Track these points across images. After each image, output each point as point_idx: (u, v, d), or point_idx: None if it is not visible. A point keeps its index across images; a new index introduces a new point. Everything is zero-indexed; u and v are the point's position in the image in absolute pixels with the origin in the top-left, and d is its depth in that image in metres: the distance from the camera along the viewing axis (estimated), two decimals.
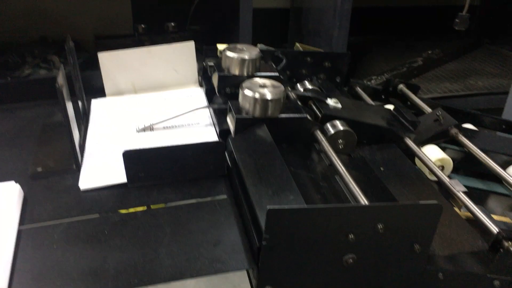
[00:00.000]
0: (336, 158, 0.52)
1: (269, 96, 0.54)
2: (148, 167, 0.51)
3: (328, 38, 1.63)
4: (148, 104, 0.68)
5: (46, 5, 1.71)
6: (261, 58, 0.65)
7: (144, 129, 0.62)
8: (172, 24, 1.83)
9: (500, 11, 2.06)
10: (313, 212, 0.39)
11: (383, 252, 0.42)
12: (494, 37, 2.11)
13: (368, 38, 2.11)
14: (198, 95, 0.70)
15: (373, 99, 0.76)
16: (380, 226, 0.40)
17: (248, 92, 0.54)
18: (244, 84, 0.56)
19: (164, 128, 0.62)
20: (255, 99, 0.54)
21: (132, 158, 0.50)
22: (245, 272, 0.47)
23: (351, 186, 0.47)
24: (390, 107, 0.71)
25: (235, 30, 1.61)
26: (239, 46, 0.66)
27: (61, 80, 0.52)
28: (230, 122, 0.57)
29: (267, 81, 0.56)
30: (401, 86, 0.77)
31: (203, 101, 0.69)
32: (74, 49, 0.64)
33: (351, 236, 0.40)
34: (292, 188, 0.44)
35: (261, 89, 0.55)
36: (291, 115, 0.55)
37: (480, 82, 1.75)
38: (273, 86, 0.55)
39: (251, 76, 0.63)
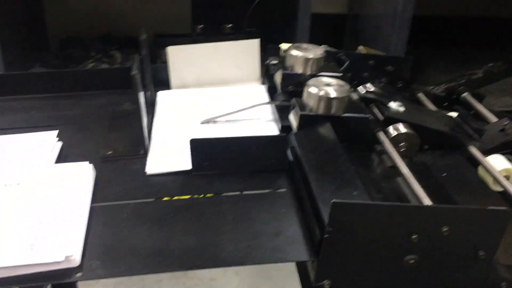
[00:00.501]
0: (399, 160, 0.52)
1: (333, 94, 0.54)
2: (213, 156, 0.53)
3: (386, 46, 1.61)
4: (212, 98, 0.70)
5: (112, 3, 1.79)
6: (325, 58, 0.65)
7: (207, 121, 0.64)
8: (229, 25, 1.86)
9: None
10: (378, 209, 0.39)
11: (446, 256, 0.41)
12: None
13: (426, 47, 2.06)
14: (260, 91, 0.71)
15: (435, 106, 0.74)
16: (445, 228, 0.40)
17: (313, 90, 0.55)
18: (310, 82, 0.56)
19: (227, 121, 0.64)
20: (319, 97, 0.55)
21: (198, 147, 0.52)
22: (292, 276, 0.48)
23: (415, 187, 0.47)
24: (454, 114, 0.70)
25: (292, 33, 1.62)
26: (304, 45, 0.67)
27: (135, 69, 0.54)
28: (293, 118, 0.58)
29: (332, 80, 0.57)
30: (465, 94, 0.75)
31: (265, 97, 0.70)
32: (147, 42, 0.66)
33: (414, 236, 0.40)
34: (356, 184, 0.44)
35: (326, 87, 0.55)
36: (355, 115, 0.55)
37: None
38: (338, 85, 0.56)
39: (314, 75, 0.64)
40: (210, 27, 1.86)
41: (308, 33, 1.51)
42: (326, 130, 0.53)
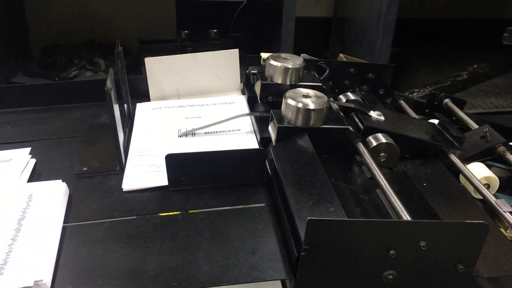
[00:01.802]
0: (378, 171, 0.51)
1: (311, 106, 0.53)
2: (189, 171, 0.52)
3: (371, 49, 1.61)
4: (191, 109, 0.69)
5: (94, 10, 1.77)
6: (304, 67, 0.65)
7: (186, 134, 0.63)
8: (214, 30, 1.85)
9: None
10: (354, 225, 0.39)
11: (425, 270, 0.41)
12: None
13: (411, 49, 2.07)
14: (240, 102, 0.70)
15: (417, 113, 0.74)
16: (422, 243, 0.39)
17: (291, 102, 0.54)
18: (287, 94, 0.56)
19: (205, 133, 0.63)
20: (297, 108, 0.54)
21: (174, 162, 0.51)
22: (279, 283, 0.47)
23: (393, 200, 0.47)
24: (435, 121, 0.69)
25: (277, 38, 1.61)
26: (283, 55, 0.66)
27: (110, 83, 0.53)
28: (271, 130, 0.57)
29: (310, 91, 0.56)
30: (446, 100, 0.75)
31: (245, 108, 0.69)
32: (122, 54, 0.65)
33: (392, 251, 0.40)
34: (333, 199, 0.44)
35: (304, 98, 0.54)
36: (333, 126, 0.55)
37: None
38: (316, 96, 0.55)
39: (294, 85, 0.63)
40: (195, 33, 1.85)
41: (292, 37, 1.51)
42: (304, 143, 0.53)
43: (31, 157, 0.57)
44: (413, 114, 0.72)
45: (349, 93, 0.70)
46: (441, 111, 0.76)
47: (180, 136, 0.62)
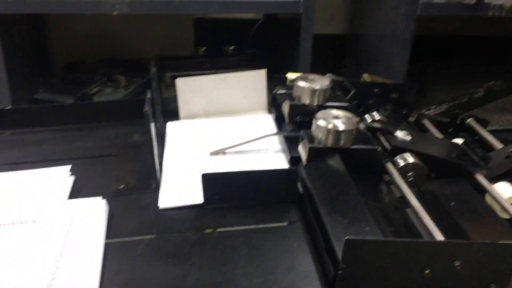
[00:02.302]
0: (408, 191, 0.53)
1: (342, 127, 0.55)
2: (224, 189, 0.53)
3: (386, 66, 1.62)
4: (220, 128, 0.71)
5: (115, 27, 1.81)
6: (331, 88, 0.67)
7: (217, 153, 0.64)
8: (231, 48, 1.88)
9: None
10: (390, 245, 0.40)
11: None
12: None
13: (426, 65, 2.08)
14: (268, 121, 0.72)
15: (440, 132, 0.75)
16: (457, 263, 0.41)
17: (321, 122, 0.56)
18: (318, 115, 0.57)
19: (235, 152, 0.65)
20: (328, 130, 0.56)
21: (210, 181, 0.53)
22: None
23: (425, 220, 0.48)
24: (459, 141, 0.70)
25: (294, 55, 1.63)
26: (310, 76, 0.68)
27: (148, 104, 0.55)
28: (302, 150, 0.59)
29: (340, 112, 0.58)
30: (469, 120, 0.76)
31: (273, 127, 0.71)
32: (156, 74, 0.68)
33: (427, 271, 0.41)
34: (367, 219, 0.45)
35: (335, 119, 0.56)
36: (363, 147, 0.56)
37: None
38: (346, 118, 0.57)
39: (321, 106, 0.65)
40: (212, 49, 1.88)
41: (310, 55, 1.53)
42: (335, 163, 0.54)
43: (71, 174, 0.60)
44: (437, 134, 0.73)
45: (374, 113, 0.71)
46: (464, 130, 0.77)
47: (212, 155, 0.64)
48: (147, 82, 1.77)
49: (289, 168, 0.55)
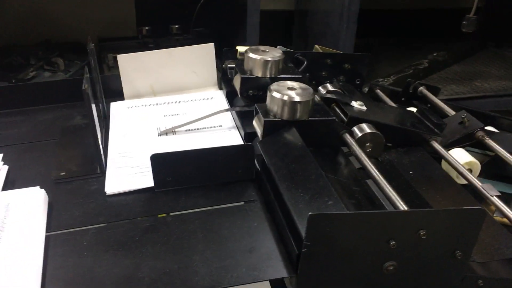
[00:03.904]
0: (368, 162, 0.51)
1: (298, 99, 0.52)
2: (176, 171, 0.50)
3: (335, 40, 1.62)
4: (168, 107, 0.67)
5: (49, 7, 1.70)
6: (283, 60, 0.64)
7: (166, 132, 0.60)
8: (176, 26, 1.82)
9: (504, 13, 2.06)
10: (355, 218, 0.38)
11: (424, 259, 0.41)
12: (498, 40, 2.11)
13: (372, 40, 2.10)
14: (219, 97, 0.69)
15: (393, 101, 0.75)
16: (422, 232, 0.39)
17: (276, 94, 0.53)
18: (272, 87, 0.54)
19: (186, 131, 0.61)
20: (283, 101, 0.53)
21: (160, 162, 0.49)
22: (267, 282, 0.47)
23: (387, 190, 0.46)
24: (412, 109, 0.70)
25: (240, 32, 1.60)
26: (261, 47, 0.65)
27: (86, 83, 0.50)
28: (257, 125, 0.56)
29: (295, 84, 0.55)
30: (421, 88, 0.76)
31: (224, 103, 0.67)
32: (94, 51, 0.62)
33: (392, 242, 0.39)
34: (330, 193, 0.43)
35: (290, 91, 0.54)
36: (321, 118, 0.54)
37: (487, 84, 1.75)
38: (302, 89, 0.54)
39: (274, 78, 0.62)
40: (156, 29, 1.81)
41: (257, 31, 1.50)
42: (292, 136, 0.52)
43: (3, 164, 0.54)
44: (390, 103, 0.72)
45: (328, 84, 0.70)
46: (416, 98, 0.77)
47: (160, 135, 0.60)
48: (87, 65, 1.68)
49: (244, 144, 0.52)
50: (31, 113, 0.67)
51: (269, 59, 0.62)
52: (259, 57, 0.62)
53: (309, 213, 0.37)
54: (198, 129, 0.61)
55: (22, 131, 0.63)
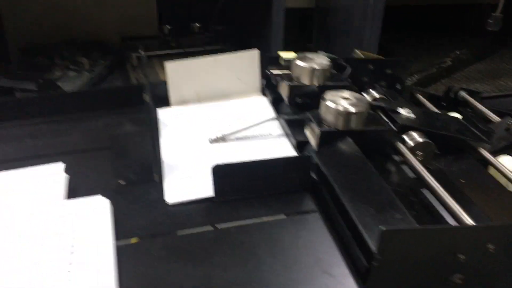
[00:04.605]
0: (424, 171, 0.51)
1: (353, 109, 0.53)
2: (236, 181, 0.51)
3: (358, 39, 1.61)
4: (215, 114, 0.68)
5: (73, 6, 1.71)
6: (331, 67, 0.64)
7: (217, 140, 0.61)
8: (197, 24, 1.83)
9: None
10: (427, 233, 0.39)
11: (493, 272, 0.41)
12: None
13: (394, 37, 2.09)
14: (263, 104, 0.70)
15: (434, 106, 0.75)
16: (490, 246, 0.40)
17: (331, 104, 0.54)
18: (326, 96, 0.55)
19: (236, 139, 0.62)
20: (339, 112, 0.53)
21: (221, 173, 0.50)
22: None
23: (447, 201, 0.47)
24: (456, 115, 0.70)
25: (263, 30, 1.60)
26: (308, 55, 0.65)
27: (148, 91, 0.51)
28: (310, 134, 0.56)
29: (348, 93, 0.56)
30: (463, 93, 0.76)
31: (269, 110, 0.68)
32: (145, 59, 0.63)
33: (460, 256, 0.40)
34: (396, 206, 0.44)
35: (344, 101, 0.54)
36: (376, 128, 0.54)
37: (510, 82, 1.74)
38: (356, 98, 0.55)
39: (322, 86, 0.63)
40: (178, 27, 1.82)
41: (282, 30, 1.50)
42: (348, 146, 0.52)
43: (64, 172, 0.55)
44: (433, 109, 0.73)
45: (372, 91, 0.70)
46: (458, 103, 0.77)
47: (212, 143, 0.61)
48: (111, 64, 1.70)
49: (302, 155, 0.53)
50: (79, 120, 0.68)
51: (318, 67, 0.63)
52: (307, 65, 0.63)
53: (382, 229, 0.37)
54: (248, 137, 0.62)
55: (72, 138, 0.64)
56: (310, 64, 0.63)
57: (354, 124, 0.54)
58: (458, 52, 1.91)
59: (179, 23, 1.82)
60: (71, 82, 1.51)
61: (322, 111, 0.55)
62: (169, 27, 1.80)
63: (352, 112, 0.53)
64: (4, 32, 1.73)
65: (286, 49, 0.74)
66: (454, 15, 2.11)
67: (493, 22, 1.53)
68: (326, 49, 1.94)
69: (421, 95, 0.77)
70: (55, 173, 0.54)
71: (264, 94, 0.73)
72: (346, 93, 0.56)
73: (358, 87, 0.74)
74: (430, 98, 0.78)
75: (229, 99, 0.71)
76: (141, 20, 1.84)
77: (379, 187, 0.46)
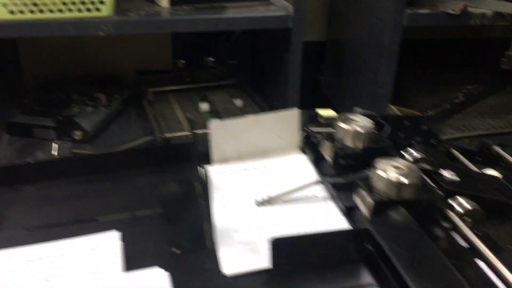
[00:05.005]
0: (477, 241, 0.52)
1: (407, 181, 0.54)
2: (293, 254, 0.51)
3: (373, 75, 1.63)
4: (257, 173, 0.68)
5: (88, 41, 1.73)
6: (374, 129, 0.65)
7: (263, 203, 0.62)
8: (211, 59, 1.85)
9: None
10: None
11: None
12: None
13: (405, 71, 2.11)
14: (304, 163, 0.70)
15: (468, 161, 0.76)
16: None
17: (383, 174, 0.55)
18: (377, 165, 0.56)
19: (282, 201, 0.62)
20: (391, 182, 0.54)
21: (279, 246, 0.50)
22: None
23: (505, 274, 0.47)
24: (493, 172, 0.71)
25: (277, 65, 1.61)
26: (350, 116, 0.67)
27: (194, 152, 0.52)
28: (361, 202, 0.57)
29: (399, 162, 0.57)
30: (497, 148, 0.77)
31: (311, 170, 0.69)
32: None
33: None
34: (457, 282, 0.44)
35: (396, 170, 0.55)
36: (428, 197, 0.55)
37: None
38: (408, 168, 0.56)
39: (366, 148, 0.64)
40: (192, 61, 1.84)
41: (300, 69, 1.51)
42: (403, 217, 0.53)
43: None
44: (472, 166, 0.74)
45: (411, 150, 0.71)
46: (492, 158, 0.78)
47: (259, 205, 0.62)
48: (127, 99, 1.71)
49: (360, 228, 0.53)
50: (123, 179, 0.68)
51: (362, 131, 0.64)
52: (351, 128, 0.64)
53: None
54: (293, 199, 0.63)
55: (119, 199, 0.65)
56: (354, 127, 0.64)
57: (406, 195, 0.55)
58: (470, 87, 1.93)
59: (192, 56, 1.84)
60: (89, 119, 1.53)
61: (373, 179, 0.56)
62: (183, 61, 1.83)
63: (405, 183, 0.54)
64: (20, 67, 1.75)
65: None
66: (464, 50, 2.14)
67: (507, 61, 1.55)
68: (338, 83, 1.96)
69: (456, 150, 0.78)
70: (111, 243, 0.54)
71: (303, 151, 0.74)
72: (397, 162, 0.57)
73: (394, 143, 0.75)
74: (464, 152, 0.79)
75: (268, 157, 0.72)
76: (156, 54, 1.86)
77: (439, 263, 0.47)
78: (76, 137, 1.49)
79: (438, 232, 0.57)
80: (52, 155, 1.42)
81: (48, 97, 1.60)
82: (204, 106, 1.61)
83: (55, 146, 1.44)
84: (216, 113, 1.56)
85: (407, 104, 1.80)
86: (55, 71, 1.74)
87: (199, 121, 1.54)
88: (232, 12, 1.38)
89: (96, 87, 1.65)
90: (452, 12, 1.46)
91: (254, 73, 1.84)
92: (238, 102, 1.66)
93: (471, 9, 1.51)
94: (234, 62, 1.88)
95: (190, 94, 1.70)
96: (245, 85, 1.76)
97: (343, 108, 1.91)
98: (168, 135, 1.37)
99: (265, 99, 1.67)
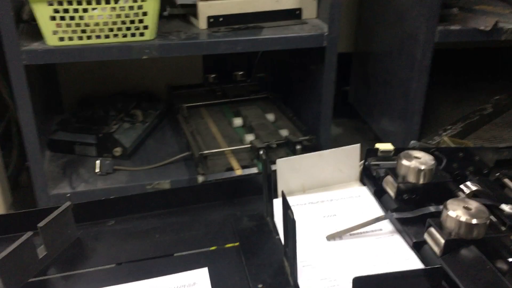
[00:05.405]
0: None
1: (477, 221, 0.58)
2: None
3: (404, 90, 1.65)
4: (322, 206, 0.72)
5: (122, 60, 1.77)
6: (436, 165, 0.69)
7: (333, 237, 0.66)
8: (240, 73, 1.89)
9: None
10: None
11: None
12: None
13: (432, 80, 2.13)
14: (366, 195, 0.74)
15: None
16: None
17: (453, 214, 0.59)
18: (448, 205, 0.60)
19: (350, 235, 0.66)
20: (461, 223, 0.58)
21: (360, 285, 0.54)
22: None
23: None
24: None
25: (309, 79, 1.63)
26: (413, 153, 0.70)
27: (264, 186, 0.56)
28: (430, 240, 0.61)
29: (469, 202, 0.60)
30: None
31: (373, 202, 0.73)
32: (268, 161, 0.68)
33: None
34: None
35: (467, 211, 0.59)
36: (497, 235, 0.59)
37: None
38: (477, 209, 0.59)
39: (427, 184, 0.68)
40: (222, 75, 1.89)
41: (334, 86, 1.52)
42: (476, 256, 0.57)
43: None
44: None
45: (469, 183, 0.74)
46: None
47: (329, 240, 0.66)
48: (161, 114, 1.76)
49: (436, 267, 0.57)
50: (198, 212, 0.73)
51: (424, 167, 0.68)
52: (414, 165, 0.68)
53: None
54: (360, 233, 0.67)
55: (196, 234, 0.69)
56: (416, 164, 0.68)
57: (476, 234, 0.58)
58: (497, 98, 1.96)
59: (222, 70, 1.88)
60: (127, 135, 1.58)
61: (444, 219, 0.60)
62: (213, 76, 1.87)
63: (478, 224, 0.58)
64: (59, 85, 1.81)
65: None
66: (491, 59, 2.16)
67: None
68: (366, 95, 1.97)
69: (507, 179, 0.81)
70: (201, 280, 0.59)
71: (362, 183, 0.78)
72: (467, 203, 0.60)
73: (449, 173, 0.79)
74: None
75: (331, 189, 0.76)
76: (187, 69, 1.91)
77: None
78: (116, 154, 1.54)
79: (505, 267, 0.61)
80: (96, 173, 1.48)
81: (87, 115, 1.65)
82: (238, 121, 1.65)
83: (97, 163, 1.49)
84: (250, 128, 1.60)
85: (437, 116, 1.83)
86: (91, 88, 1.80)
87: (234, 137, 1.59)
88: (269, 33, 1.42)
89: (131, 104, 1.70)
90: (483, 29, 1.49)
91: (282, 86, 1.87)
92: (270, 117, 1.69)
93: (501, 24, 1.53)
94: (262, 75, 1.91)
95: (222, 108, 1.75)
96: (275, 99, 1.80)
97: (371, 119, 1.94)
98: (206, 152, 1.42)
99: (295, 112, 1.71)
